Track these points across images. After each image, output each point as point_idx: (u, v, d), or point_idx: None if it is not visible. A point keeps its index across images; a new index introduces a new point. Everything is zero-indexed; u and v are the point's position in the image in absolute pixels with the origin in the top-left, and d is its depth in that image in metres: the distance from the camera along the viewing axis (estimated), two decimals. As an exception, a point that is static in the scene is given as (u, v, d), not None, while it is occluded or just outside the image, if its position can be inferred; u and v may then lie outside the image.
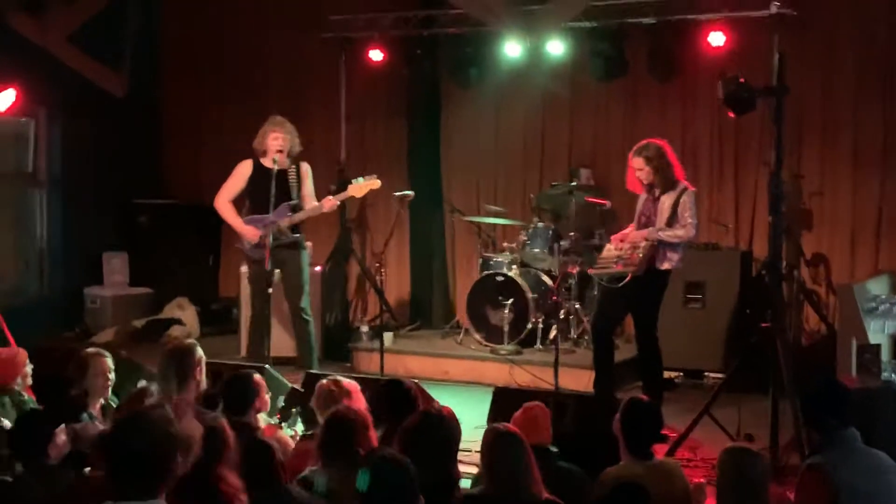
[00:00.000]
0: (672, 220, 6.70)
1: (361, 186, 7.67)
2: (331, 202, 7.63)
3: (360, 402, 4.88)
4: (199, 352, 5.13)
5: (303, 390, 5.83)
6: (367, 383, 5.43)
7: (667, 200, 6.75)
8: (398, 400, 4.83)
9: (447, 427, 4.06)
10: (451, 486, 3.96)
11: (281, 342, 8.14)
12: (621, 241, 6.92)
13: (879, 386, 5.25)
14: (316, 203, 7.65)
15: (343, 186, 9.77)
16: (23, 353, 5.62)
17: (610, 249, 6.95)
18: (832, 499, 3.74)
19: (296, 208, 7.61)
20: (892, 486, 3.94)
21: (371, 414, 4.48)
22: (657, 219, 6.77)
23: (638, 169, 6.81)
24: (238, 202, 7.83)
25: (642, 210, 6.94)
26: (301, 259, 7.74)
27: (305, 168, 7.76)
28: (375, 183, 7.67)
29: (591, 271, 7.41)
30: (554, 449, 4.68)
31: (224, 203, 7.73)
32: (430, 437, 3.97)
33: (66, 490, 4.04)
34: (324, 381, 5.04)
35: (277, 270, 7.73)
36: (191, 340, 5.26)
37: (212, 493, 3.65)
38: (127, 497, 3.06)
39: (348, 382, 5.02)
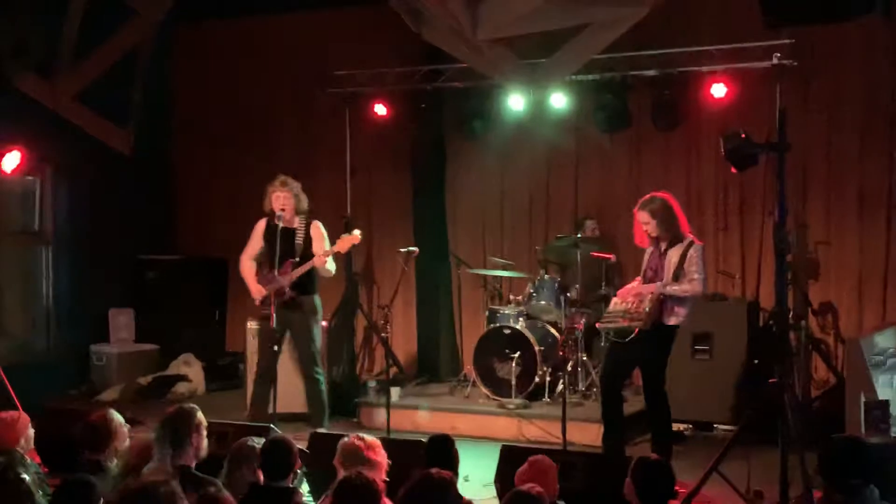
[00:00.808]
0: (679, 275, 6.68)
1: (344, 241, 7.72)
2: (320, 259, 7.64)
3: (382, 458, 4.85)
4: (200, 416, 5.07)
5: (307, 451, 5.78)
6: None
7: (673, 255, 6.74)
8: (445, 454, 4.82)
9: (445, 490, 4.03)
10: None
11: (289, 398, 8.09)
12: (628, 295, 6.91)
13: (890, 443, 5.20)
14: (314, 260, 7.66)
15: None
16: (24, 418, 5.57)
17: (617, 303, 6.93)
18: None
19: (297, 266, 7.64)
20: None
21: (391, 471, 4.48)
22: (664, 273, 6.76)
23: (644, 223, 6.82)
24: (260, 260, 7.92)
25: (649, 264, 6.93)
26: (309, 320, 7.75)
27: (315, 226, 7.80)
28: (356, 238, 7.72)
29: (598, 325, 7.38)
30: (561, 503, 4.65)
31: (244, 262, 7.87)
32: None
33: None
34: (347, 437, 4.99)
35: (287, 330, 7.76)
36: (191, 405, 5.20)
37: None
38: None
39: (372, 439, 4.98)
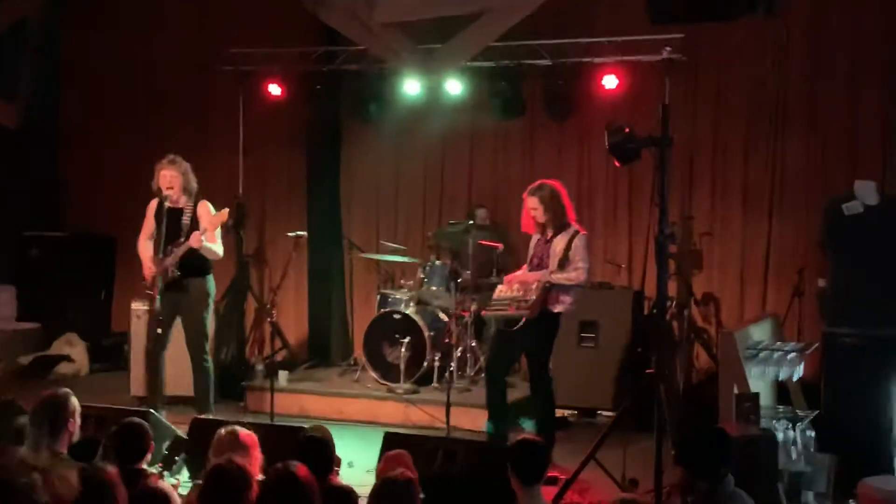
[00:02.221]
0: (564, 263, 6.77)
1: (214, 218, 7.49)
2: (196, 238, 7.34)
3: (256, 456, 4.82)
4: (74, 402, 5.00)
5: (187, 438, 5.71)
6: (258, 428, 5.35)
7: (559, 243, 6.82)
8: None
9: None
10: None
11: (177, 381, 7.94)
12: (514, 282, 6.97)
13: (758, 434, 5.37)
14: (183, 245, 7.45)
15: (241, 220, 9.72)
16: None
17: (502, 291, 6.99)
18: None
19: (180, 246, 7.45)
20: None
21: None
22: (549, 261, 6.84)
23: (532, 209, 6.88)
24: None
25: (535, 252, 7.00)
26: (198, 305, 7.54)
27: (203, 205, 7.60)
28: (222, 216, 7.50)
29: (484, 313, 7.45)
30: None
31: (141, 242, 7.60)
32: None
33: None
34: (223, 430, 4.94)
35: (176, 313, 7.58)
36: (65, 390, 5.10)
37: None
38: None
39: (246, 434, 4.93)
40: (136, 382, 8.40)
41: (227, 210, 7.51)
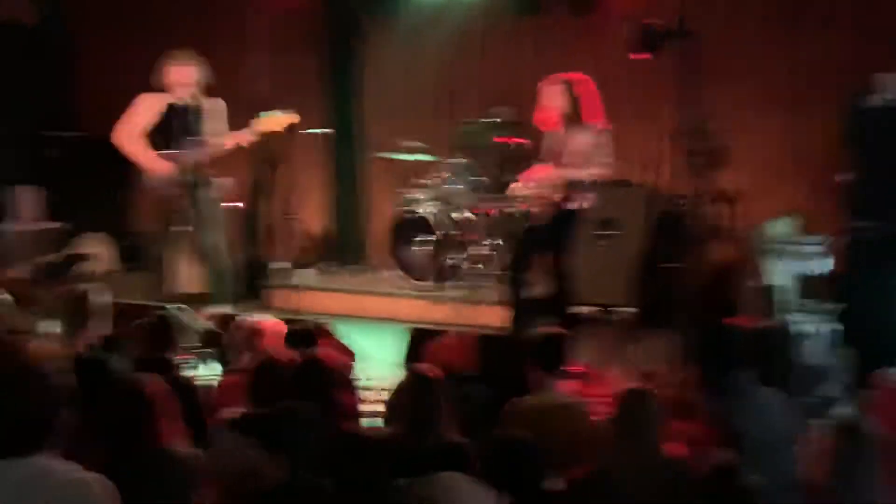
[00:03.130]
0: (585, 159, 6.75)
1: (278, 120, 7.49)
2: (242, 137, 7.42)
3: (279, 344, 4.96)
4: (105, 295, 5.13)
5: (220, 331, 5.83)
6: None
7: (580, 138, 6.79)
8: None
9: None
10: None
11: (192, 278, 8.04)
12: (532, 178, 6.96)
13: (772, 326, 5.45)
14: (226, 138, 7.47)
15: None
16: None
17: (520, 188, 6.99)
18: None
19: (202, 145, 7.44)
20: (784, 426, 4.13)
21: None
22: (570, 157, 6.81)
23: (553, 92, 6.79)
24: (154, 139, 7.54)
25: (551, 147, 6.96)
26: (209, 199, 7.58)
27: (218, 102, 7.57)
28: (293, 118, 7.51)
29: (506, 209, 7.48)
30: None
31: (133, 138, 7.43)
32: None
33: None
34: (237, 319, 5.09)
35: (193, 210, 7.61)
36: (94, 283, 5.23)
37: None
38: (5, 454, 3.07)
39: (271, 322, 5.07)
40: (169, 281, 8.40)
41: (295, 114, 7.40)
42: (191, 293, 7.67)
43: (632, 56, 6.05)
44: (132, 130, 7.45)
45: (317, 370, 4.24)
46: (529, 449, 3.66)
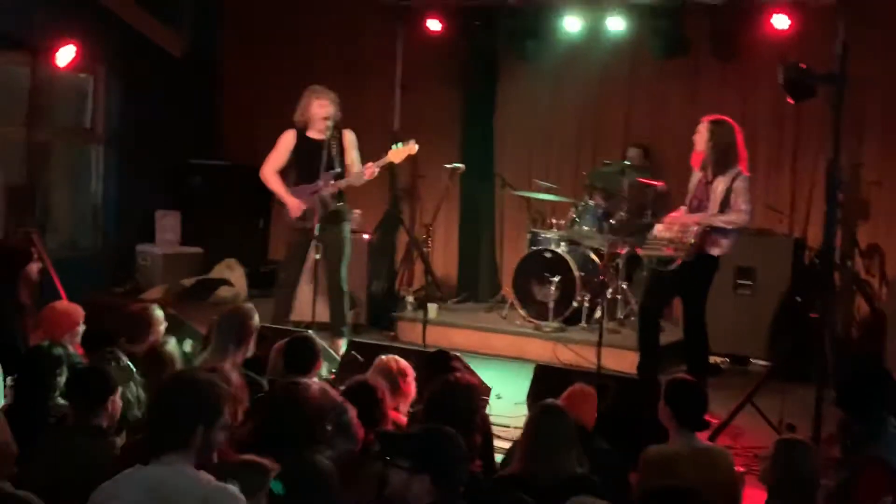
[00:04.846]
0: (725, 205, 6.60)
1: (400, 152, 7.55)
2: (371, 169, 7.49)
3: (411, 387, 4.94)
4: (257, 318, 5.22)
5: (362, 360, 5.81)
6: (409, 354, 5.46)
7: (720, 184, 6.64)
8: (441, 368, 4.87)
9: (468, 395, 4.10)
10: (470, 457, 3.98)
11: (317, 307, 8.06)
12: (672, 223, 6.84)
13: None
14: (358, 171, 7.59)
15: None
16: (79, 310, 5.67)
17: (660, 231, 6.86)
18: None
19: (339, 177, 7.52)
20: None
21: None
22: (710, 203, 6.66)
23: (699, 133, 6.67)
24: (283, 173, 7.71)
25: (695, 193, 6.82)
26: (343, 230, 7.69)
27: (349, 136, 7.68)
28: (413, 148, 7.56)
29: (639, 251, 7.34)
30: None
31: (271, 174, 7.63)
32: (452, 404, 4.01)
33: (112, 457, 3.99)
34: (384, 356, 5.09)
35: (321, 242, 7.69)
36: (249, 305, 5.32)
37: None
38: (161, 452, 3.12)
39: (405, 365, 5.07)
40: (299, 308, 8.47)
41: (414, 143, 7.51)
42: (313, 321, 7.74)
43: (789, 100, 5.84)
44: (272, 166, 7.66)
45: (466, 392, 4.19)
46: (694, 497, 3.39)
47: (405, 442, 3.44)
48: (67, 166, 10.58)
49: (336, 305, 7.77)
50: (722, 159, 6.63)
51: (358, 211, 9.25)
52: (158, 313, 5.63)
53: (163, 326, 5.64)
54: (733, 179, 6.60)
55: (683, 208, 6.91)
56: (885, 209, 8.52)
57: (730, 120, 6.70)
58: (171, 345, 5.58)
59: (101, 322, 5.68)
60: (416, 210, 10.35)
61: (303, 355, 4.89)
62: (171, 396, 3.24)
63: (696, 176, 6.83)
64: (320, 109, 7.51)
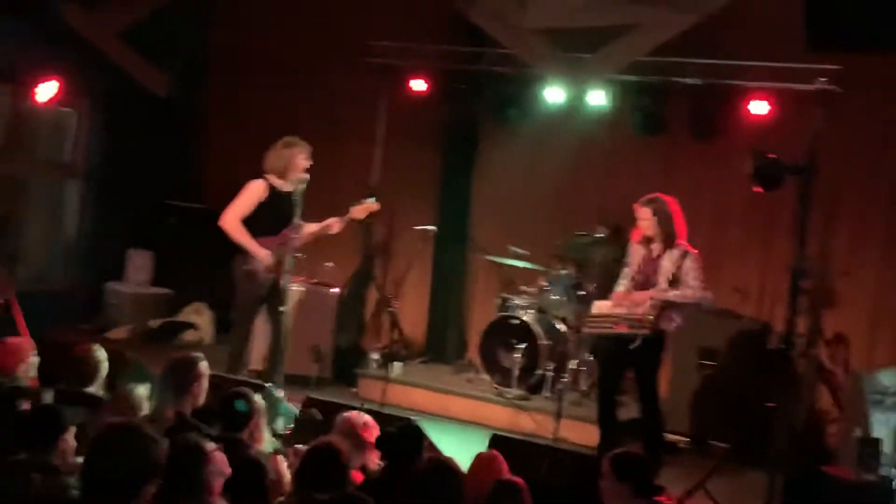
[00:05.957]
0: (674, 281, 6.65)
1: (361, 209, 7.60)
2: (336, 223, 7.54)
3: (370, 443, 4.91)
4: (203, 366, 5.13)
5: (321, 417, 5.75)
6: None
7: (667, 261, 6.71)
8: (410, 442, 4.82)
9: (457, 479, 4.08)
10: None
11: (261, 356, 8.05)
12: (620, 300, 6.85)
13: (875, 481, 5.16)
14: (323, 223, 7.58)
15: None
16: (27, 346, 5.65)
17: (608, 308, 6.88)
18: None
19: (300, 229, 7.46)
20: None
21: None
22: (657, 278, 6.72)
23: (643, 219, 6.78)
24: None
25: (640, 269, 6.87)
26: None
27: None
28: (373, 206, 7.60)
29: (588, 330, 7.38)
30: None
31: (236, 222, 7.50)
32: (441, 486, 3.99)
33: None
34: (351, 413, 5.06)
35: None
36: (196, 353, 5.25)
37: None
38: None
39: (369, 419, 5.03)
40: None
41: (374, 201, 7.56)
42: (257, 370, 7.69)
43: (756, 189, 5.92)
44: (237, 215, 7.54)
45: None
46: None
47: None
48: (44, 199, 10.55)
49: (277, 356, 7.63)
50: (668, 233, 6.71)
51: (330, 263, 9.26)
52: (101, 354, 5.59)
53: (105, 366, 5.60)
54: (682, 256, 6.67)
55: (622, 287, 6.91)
56: (853, 299, 8.57)
57: (662, 195, 6.79)
58: (141, 390, 5.48)
59: (52, 361, 5.64)
60: (388, 267, 10.35)
61: (234, 411, 4.80)
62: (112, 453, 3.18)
63: (639, 252, 6.89)
64: (305, 162, 7.51)
